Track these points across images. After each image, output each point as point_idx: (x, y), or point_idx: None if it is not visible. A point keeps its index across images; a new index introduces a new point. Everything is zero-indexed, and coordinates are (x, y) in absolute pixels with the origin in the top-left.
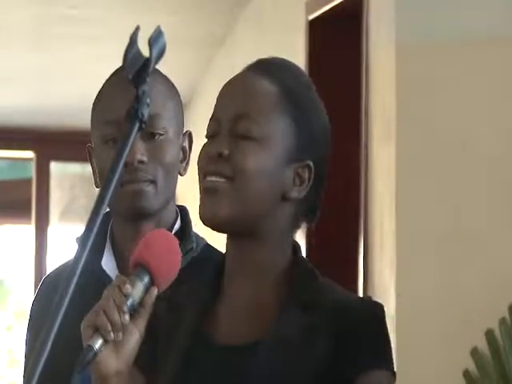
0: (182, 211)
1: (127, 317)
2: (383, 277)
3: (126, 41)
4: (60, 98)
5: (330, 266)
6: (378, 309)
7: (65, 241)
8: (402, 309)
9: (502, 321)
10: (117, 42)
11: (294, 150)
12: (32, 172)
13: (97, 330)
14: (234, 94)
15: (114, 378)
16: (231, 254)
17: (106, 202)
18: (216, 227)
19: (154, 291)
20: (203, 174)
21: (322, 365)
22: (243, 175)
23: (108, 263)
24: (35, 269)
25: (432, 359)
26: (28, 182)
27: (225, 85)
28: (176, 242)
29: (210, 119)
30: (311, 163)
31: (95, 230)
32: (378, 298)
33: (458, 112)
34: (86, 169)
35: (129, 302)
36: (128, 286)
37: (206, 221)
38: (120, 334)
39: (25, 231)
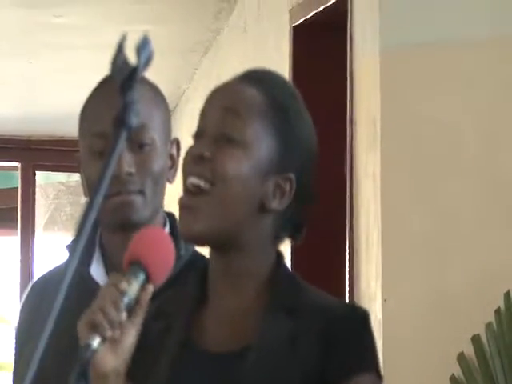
0: (170, 218)
1: (124, 314)
2: (369, 282)
3: (113, 49)
4: (46, 107)
5: (315, 272)
6: (362, 312)
7: (50, 249)
8: (388, 314)
9: (488, 326)
10: (103, 50)
11: (276, 161)
12: (18, 182)
13: (94, 329)
14: (223, 96)
15: (111, 377)
16: (213, 263)
17: (96, 209)
18: (194, 241)
19: (150, 288)
20: (185, 174)
21: (309, 369)
22: (222, 180)
23: (97, 270)
24: (21, 277)
25: (418, 365)
26: (14, 191)
27: (213, 89)
28: (169, 238)
29: (199, 117)
30: (293, 176)
31: (85, 238)
32: (364, 304)
33: (442, 118)
34: (71, 178)
35: (125, 300)
36: (124, 284)
37: (184, 235)
38: (117, 332)
39: (10, 241)
